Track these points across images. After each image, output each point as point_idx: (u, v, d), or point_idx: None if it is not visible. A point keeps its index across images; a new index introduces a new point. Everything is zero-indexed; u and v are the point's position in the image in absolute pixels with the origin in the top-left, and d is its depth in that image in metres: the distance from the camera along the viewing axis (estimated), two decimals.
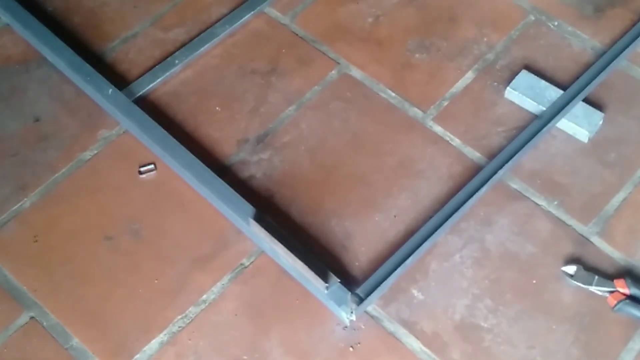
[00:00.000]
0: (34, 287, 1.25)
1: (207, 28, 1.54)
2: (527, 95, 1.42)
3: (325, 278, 1.17)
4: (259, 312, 1.23)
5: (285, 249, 1.20)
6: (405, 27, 1.55)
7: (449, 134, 1.40)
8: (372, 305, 1.22)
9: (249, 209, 1.27)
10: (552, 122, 1.38)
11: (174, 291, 1.24)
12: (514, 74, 1.46)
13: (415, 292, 1.24)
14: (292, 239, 1.22)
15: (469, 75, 1.48)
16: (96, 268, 1.27)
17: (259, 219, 1.24)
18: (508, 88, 1.44)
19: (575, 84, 1.42)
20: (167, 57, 1.50)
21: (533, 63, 1.49)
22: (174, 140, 1.35)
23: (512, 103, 1.44)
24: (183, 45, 1.52)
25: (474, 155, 1.38)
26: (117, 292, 1.24)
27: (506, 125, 1.41)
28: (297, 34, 1.55)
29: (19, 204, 1.34)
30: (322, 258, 1.25)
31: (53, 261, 1.28)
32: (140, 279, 1.26)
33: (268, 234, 1.22)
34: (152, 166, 1.37)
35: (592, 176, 1.35)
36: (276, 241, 1.21)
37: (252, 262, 1.27)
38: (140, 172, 1.37)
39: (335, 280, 1.18)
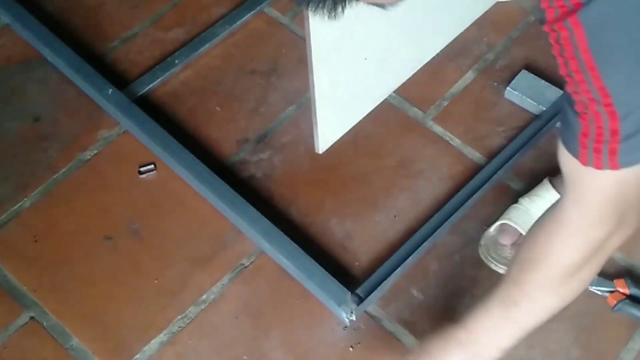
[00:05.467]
0: (34, 287, 1.25)
1: (207, 28, 1.54)
2: (527, 95, 1.42)
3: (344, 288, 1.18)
4: (259, 312, 1.23)
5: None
6: None
7: (449, 134, 1.40)
8: (372, 305, 1.22)
9: (249, 209, 1.27)
10: (552, 122, 1.38)
11: (174, 291, 1.24)
12: (514, 74, 1.46)
13: (415, 292, 1.24)
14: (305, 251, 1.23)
15: (469, 75, 1.48)
16: (96, 268, 1.27)
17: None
18: (508, 88, 1.44)
19: None
20: (167, 57, 1.50)
21: (533, 63, 1.49)
22: (174, 140, 1.35)
23: (512, 103, 1.44)
24: (183, 45, 1.52)
25: (474, 155, 1.38)
26: (117, 292, 1.24)
27: (506, 125, 1.41)
28: (297, 34, 1.55)
29: (19, 204, 1.34)
30: (322, 258, 1.25)
31: (53, 261, 1.28)
32: (140, 279, 1.26)
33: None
34: (152, 166, 1.37)
35: None
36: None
37: (252, 262, 1.27)
38: (140, 172, 1.37)
39: (349, 292, 1.18)
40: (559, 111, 1.38)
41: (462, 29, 1.52)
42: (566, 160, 0.79)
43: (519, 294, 0.93)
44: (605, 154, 0.74)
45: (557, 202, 0.88)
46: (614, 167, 0.75)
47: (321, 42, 1.14)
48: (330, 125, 1.35)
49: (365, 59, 1.29)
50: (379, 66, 1.35)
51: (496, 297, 0.96)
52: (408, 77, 1.45)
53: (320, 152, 1.37)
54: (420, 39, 1.41)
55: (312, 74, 1.18)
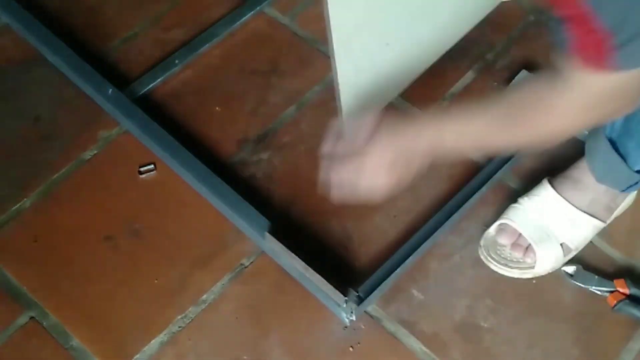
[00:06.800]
0: (34, 287, 1.25)
1: (207, 28, 1.54)
2: None
3: (344, 291, 1.17)
4: (259, 312, 1.23)
5: (303, 264, 1.19)
6: None
7: None
8: (372, 305, 1.22)
9: (249, 209, 1.27)
10: None
11: (174, 291, 1.24)
12: (514, 74, 1.46)
13: (415, 292, 1.24)
14: (305, 251, 1.21)
15: (469, 75, 1.48)
16: (96, 268, 1.27)
17: (274, 231, 1.23)
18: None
19: None
20: (167, 57, 1.50)
21: (533, 63, 1.49)
22: (174, 140, 1.35)
23: None
24: (183, 45, 1.52)
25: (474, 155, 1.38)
26: (117, 292, 1.24)
27: None
28: (297, 34, 1.55)
29: (19, 204, 1.34)
30: (322, 258, 1.25)
31: (53, 261, 1.28)
32: (140, 279, 1.26)
33: (284, 247, 1.21)
34: (152, 166, 1.37)
35: None
36: (293, 255, 1.20)
37: (252, 262, 1.27)
38: (140, 172, 1.37)
39: (353, 293, 1.17)
40: None
41: (486, 13, 1.51)
42: (569, 63, 0.84)
43: (510, 123, 0.97)
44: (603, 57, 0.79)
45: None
46: (615, 68, 0.80)
47: (342, 28, 1.12)
48: (355, 111, 1.33)
49: (387, 44, 1.28)
50: (402, 52, 1.34)
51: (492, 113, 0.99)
52: (432, 63, 1.44)
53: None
54: (443, 24, 1.40)
55: (334, 59, 1.16)
